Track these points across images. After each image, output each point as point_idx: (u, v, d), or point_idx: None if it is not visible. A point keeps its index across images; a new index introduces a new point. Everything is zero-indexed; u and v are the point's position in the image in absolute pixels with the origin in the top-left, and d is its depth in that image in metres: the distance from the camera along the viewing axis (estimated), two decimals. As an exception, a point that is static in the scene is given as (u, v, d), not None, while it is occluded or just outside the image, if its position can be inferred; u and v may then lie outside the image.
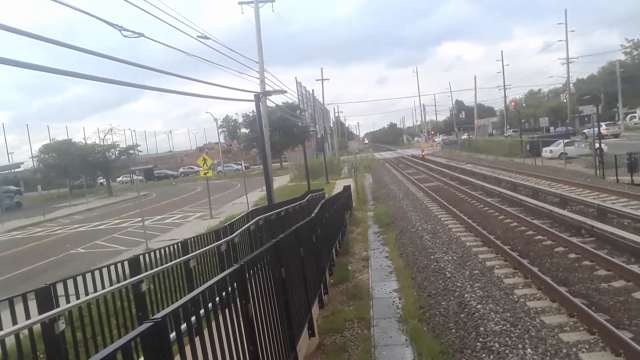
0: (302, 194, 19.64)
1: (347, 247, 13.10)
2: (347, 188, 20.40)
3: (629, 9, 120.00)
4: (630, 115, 64.11)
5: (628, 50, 71.00)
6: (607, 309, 7.11)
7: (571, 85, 71.88)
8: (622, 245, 9.95)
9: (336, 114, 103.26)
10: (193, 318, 2.58)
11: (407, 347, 6.44)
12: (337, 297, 9.03)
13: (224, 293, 3.05)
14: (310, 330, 5.74)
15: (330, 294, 9.09)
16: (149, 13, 11.12)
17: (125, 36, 10.70)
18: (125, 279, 5.46)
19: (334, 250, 11.04)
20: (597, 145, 23.86)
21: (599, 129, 26.55)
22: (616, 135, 46.47)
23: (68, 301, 4.61)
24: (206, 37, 15.88)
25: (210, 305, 2.82)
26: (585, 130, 47.52)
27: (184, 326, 2.52)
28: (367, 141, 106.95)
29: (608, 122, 52.11)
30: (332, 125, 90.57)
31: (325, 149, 50.04)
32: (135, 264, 5.86)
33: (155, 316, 2.14)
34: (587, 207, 14.51)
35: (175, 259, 6.52)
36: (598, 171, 22.90)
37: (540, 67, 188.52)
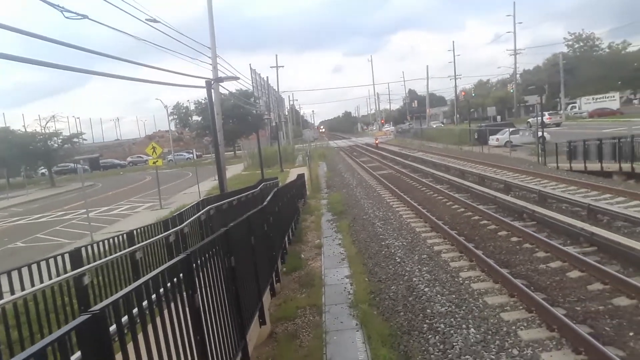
0: (256, 182, 19.48)
1: (301, 236, 13.16)
2: (300, 176, 20.41)
3: (573, 3, 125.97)
4: (571, 105, 67.76)
5: (570, 43, 74.74)
6: (545, 289, 7.54)
7: (518, 75, 74.98)
8: (559, 228, 10.54)
9: (291, 102, 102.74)
10: (136, 310, 2.51)
11: (358, 331, 6.58)
12: (290, 285, 9.08)
13: (169, 284, 2.99)
14: (261, 319, 5.75)
15: (283, 282, 9.12)
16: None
17: (67, 17, 10.12)
18: (66, 273, 5.22)
19: (286, 239, 11.06)
20: (540, 133, 25.06)
21: (542, 118, 27.87)
22: (558, 125, 49.02)
23: (1, 298, 4.37)
24: (155, 21, 15.30)
25: (154, 296, 2.75)
26: (529, 120, 49.73)
27: (126, 318, 2.45)
28: (323, 129, 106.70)
29: (551, 112, 54.92)
30: (286, 114, 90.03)
31: (279, 137, 49.74)
32: (76, 257, 5.62)
33: (93, 308, 2.07)
34: (529, 193, 15.24)
35: (121, 251, 6.31)
36: (540, 158, 24.08)
37: (489, 57, 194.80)
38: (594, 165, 18.68)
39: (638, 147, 16.47)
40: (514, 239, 10.48)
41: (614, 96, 61.70)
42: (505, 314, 6.69)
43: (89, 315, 1.95)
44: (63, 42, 9.60)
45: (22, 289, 4.59)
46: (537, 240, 9.84)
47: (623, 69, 64.27)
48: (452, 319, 6.72)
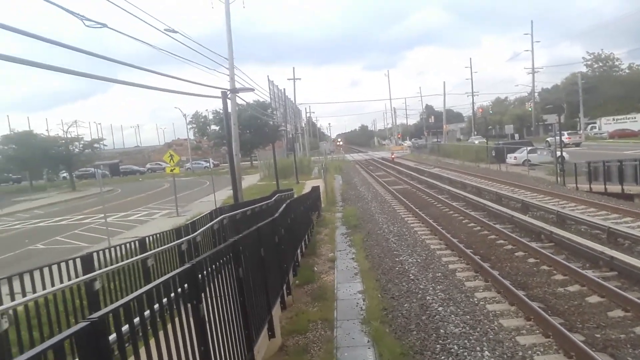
0: (270, 193, 19.49)
1: (314, 248, 13.06)
2: (315, 189, 20.35)
3: (592, 23, 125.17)
4: (590, 125, 66.73)
5: (589, 62, 74.00)
6: (562, 313, 7.30)
7: (536, 94, 74.30)
8: (578, 251, 10.25)
9: (308, 114, 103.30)
10: (137, 319, 2.46)
11: (369, 348, 6.45)
12: (301, 298, 8.98)
13: (173, 293, 2.95)
14: (270, 332, 5.66)
15: (295, 295, 9.02)
16: (113, 3, 10.79)
17: (87, 26, 10.35)
18: (78, 278, 5.23)
19: (299, 251, 10.97)
20: (559, 153, 24.65)
21: (561, 138, 27.44)
22: (577, 144, 48.25)
23: (13, 299, 4.38)
24: (174, 31, 15.56)
25: (157, 306, 2.70)
26: (548, 139, 49.06)
27: (127, 327, 2.41)
28: (341, 142, 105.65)
29: (570, 131, 54.11)
30: (303, 126, 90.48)
31: (295, 149, 49.95)
32: (88, 262, 5.63)
33: (92, 315, 2.03)
34: (547, 213, 14.92)
35: (133, 257, 6.31)
36: (559, 178, 23.64)
37: (507, 75, 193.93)
38: (615, 187, 18.24)
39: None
40: (531, 260, 10.23)
41: (635, 117, 60.55)
42: (521, 337, 6.48)
43: (88, 323, 1.91)
44: (84, 50, 9.81)
45: (34, 291, 4.60)
46: (555, 262, 9.58)
47: (644, 90, 63.23)
48: (466, 341, 6.54)
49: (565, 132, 46.09)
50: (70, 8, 8.44)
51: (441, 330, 6.97)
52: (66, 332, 1.89)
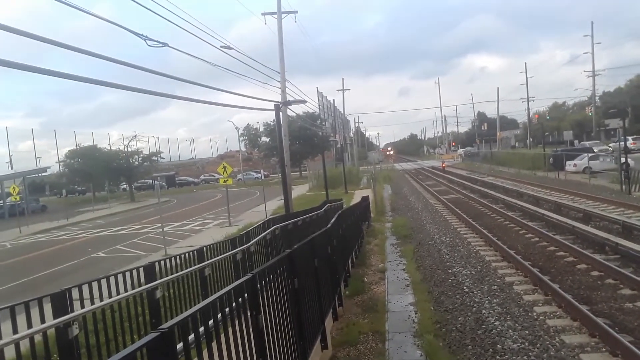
0: (320, 203, 19.62)
1: (364, 259, 13.00)
2: (365, 199, 20.29)
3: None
4: (659, 129, 62.42)
5: (657, 63, 69.44)
6: (632, 330, 6.86)
7: (597, 98, 70.48)
8: (648, 264, 9.62)
9: (356, 124, 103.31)
10: (202, 328, 2.57)
11: (422, 363, 6.33)
12: (352, 309, 8.95)
13: (234, 303, 3.05)
14: (322, 343, 5.69)
15: (345, 305, 9.01)
16: (174, 23, 11.36)
17: (150, 45, 10.96)
18: (140, 285, 5.50)
19: (350, 262, 10.97)
20: (623, 159, 23.27)
21: (625, 143, 25.90)
22: (644, 150, 45.24)
23: (83, 306, 4.66)
24: (229, 48, 16.12)
25: (219, 315, 2.81)
26: (611, 144, 46.40)
27: (192, 337, 2.52)
28: (391, 150, 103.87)
29: (635, 136, 50.81)
30: (352, 136, 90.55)
31: (344, 159, 50.00)
32: (150, 271, 5.91)
33: (162, 326, 2.14)
34: (612, 224, 14.12)
35: (191, 267, 6.56)
36: (624, 186, 22.32)
37: (565, 79, 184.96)
38: (689, 196, 16.99)
39: None
40: (595, 273, 9.69)
41: None
42: (585, 355, 6.15)
43: (159, 333, 2.02)
44: (146, 68, 10.40)
45: (101, 298, 4.88)
46: (622, 275, 9.03)
47: None
48: (525, 357, 6.28)
49: (630, 137, 43.43)
50: (135, 29, 8.96)
51: (498, 346, 6.74)
52: (139, 343, 2.01)
